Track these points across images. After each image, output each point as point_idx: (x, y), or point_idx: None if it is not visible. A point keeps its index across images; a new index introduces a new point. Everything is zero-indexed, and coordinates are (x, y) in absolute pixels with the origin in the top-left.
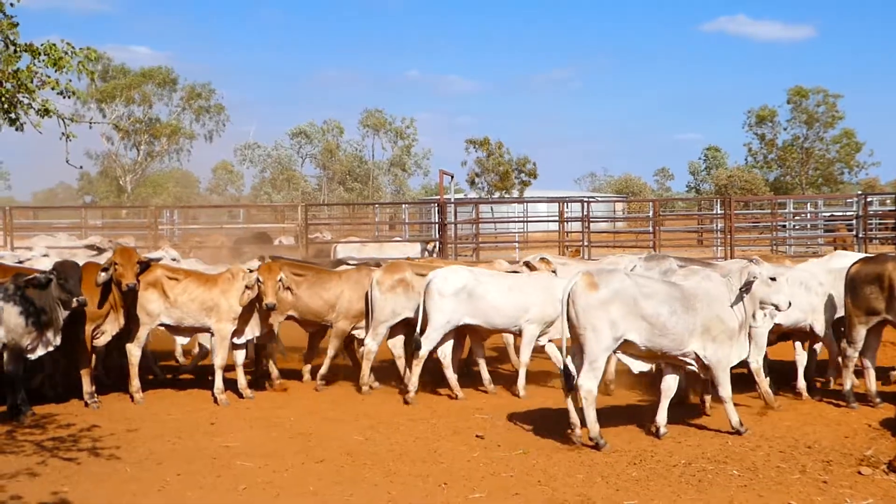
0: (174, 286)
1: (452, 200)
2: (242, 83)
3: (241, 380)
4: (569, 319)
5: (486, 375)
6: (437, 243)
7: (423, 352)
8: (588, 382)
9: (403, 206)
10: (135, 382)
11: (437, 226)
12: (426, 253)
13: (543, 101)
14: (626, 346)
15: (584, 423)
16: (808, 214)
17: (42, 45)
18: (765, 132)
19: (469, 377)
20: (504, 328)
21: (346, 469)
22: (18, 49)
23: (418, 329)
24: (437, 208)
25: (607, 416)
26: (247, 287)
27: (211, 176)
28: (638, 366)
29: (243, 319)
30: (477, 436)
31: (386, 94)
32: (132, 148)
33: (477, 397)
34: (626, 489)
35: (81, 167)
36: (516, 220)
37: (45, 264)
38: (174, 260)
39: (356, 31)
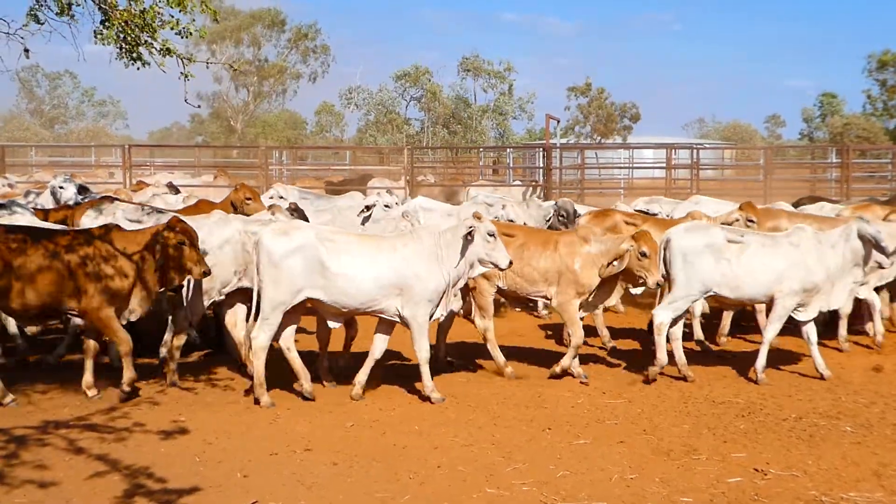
0: None
1: (558, 145)
2: (346, 26)
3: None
4: None
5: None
6: (542, 188)
7: None
8: None
9: (508, 150)
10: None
11: (541, 170)
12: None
13: (644, 44)
14: None
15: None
16: None
17: None
18: (886, 78)
19: None
20: None
21: (450, 411)
22: None
23: None
24: (542, 153)
25: (715, 369)
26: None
27: (314, 118)
28: None
29: None
30: (581, 382)
31: (482, 36)
32: (241, 88)
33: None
34: (734, 441)
35: (199, 106)
36: (622, 166)
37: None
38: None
39: None
